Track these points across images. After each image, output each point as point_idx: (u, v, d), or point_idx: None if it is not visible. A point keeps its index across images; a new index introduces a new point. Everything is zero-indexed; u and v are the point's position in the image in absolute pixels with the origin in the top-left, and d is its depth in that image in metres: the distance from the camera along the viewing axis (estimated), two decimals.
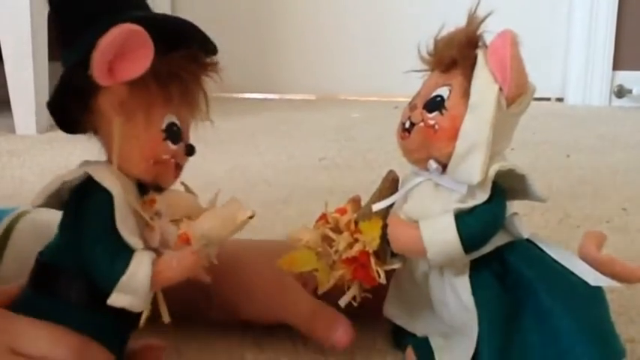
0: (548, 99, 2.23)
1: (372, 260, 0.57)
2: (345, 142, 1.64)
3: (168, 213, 0.52)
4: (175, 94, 0.52)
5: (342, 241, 0.57)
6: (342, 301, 0.59)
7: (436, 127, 0.54)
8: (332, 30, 2.30)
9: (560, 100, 2.24)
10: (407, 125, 0.57)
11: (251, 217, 0.52)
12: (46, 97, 1.94)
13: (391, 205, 0.59)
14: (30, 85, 1.72)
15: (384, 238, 0.57)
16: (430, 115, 0.55)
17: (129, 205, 0.50)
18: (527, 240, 0.57)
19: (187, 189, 0.57)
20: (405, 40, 2.18)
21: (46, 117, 1.76)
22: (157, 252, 0.50)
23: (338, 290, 0.59)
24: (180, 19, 0.53)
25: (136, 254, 0.49)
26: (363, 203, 0.62)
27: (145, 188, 0.53)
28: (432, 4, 2.21)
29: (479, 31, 0.55)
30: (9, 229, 0.68)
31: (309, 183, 1.22)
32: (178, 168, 0.54)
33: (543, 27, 2.22)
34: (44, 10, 1.78)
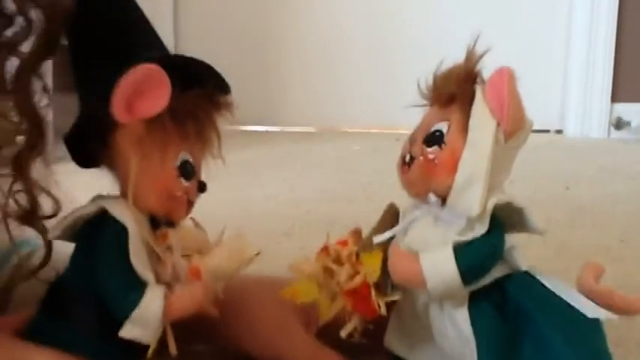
0: (547, 131, 2.24)
1: (373, 292, 0.57)
2: (346, 174, 1.65)
3: (179, 248, 0.53)
4: (191, 132, 0.54)
5: (343, 272, 0.58)
6: (343, 333, 0.60)
7: (436, 161, 0.56)
8: (334, 63, 2.32)
9: (559, 132, 2.25)
10: (407, 159, 0.58)
11: (257, 255, 0.55)
12: (50, 129, 1.95)
13: (392, 238, 0.60)
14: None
15: (385, 269, 0.58)
16: (430, 150, 0.56)
17: (142, 239, 0.52)
18: (526, 272, 0.58)
19: (196, 224, 0.58)
20: (407, 72, 2.20)
21: (51, 149, 1.77)
22: (168, 285, 0.52)
23: (340, 321, 0.60)
24: (196, 60, 0.55)
25: (149, 288, 0.51)
26: (364, 235, 0.63)
27: (156, 223, 0.55)
28: (435, 38, 2.22)
29: (477, 67, 0.57)
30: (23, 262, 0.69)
31: (310, 215, 1.23)
32: (190, 204, 0.56)
33: (542, 60, 2.24)
34: None
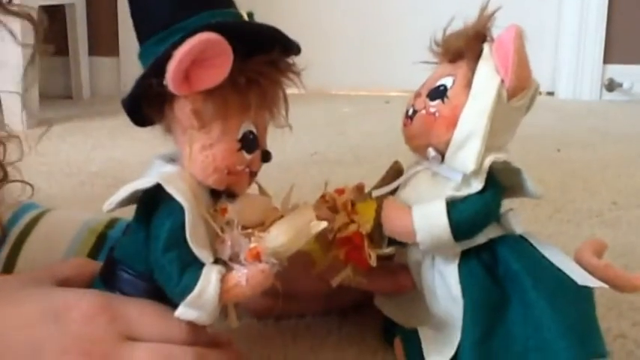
0: (539, 93, 2.22)
1: (366, 243, 0.57)
2: (335, 136, 1.64)
3: (240, 220, 0.50)
4: (253, 101, 0.50)
5: (337, 220, 0.57)
6: (335, 281, 0.59)
7: (436, 114, 0.55)
8: (323, 25, 2.29)
9: (550, 94, 2.24)
10: (410, 112, 0.57)
11: (324, 227, 0.52)
12: (35, 93, 1.94)
13: (393, 193, 0.59)
14: (19, 80, 1.71)
15: (380, 222, 0.57)
16: (432, 103, 0.56)
17: (200, 215, 0.49)
18: (520, 236, 0.57)
19: (261, 190, 0.56)
20: (398, 34, 2.18)
21: (36, 112, 1.75)
22: (227, 264, 0.49)
23: (335, 271, 0.59)
24: (261, 24, 0.52)
25: (205, 270, 0.48)
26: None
27: (217, 192, 0.52)
28: (425, 0, 2.21)
29: (488, 26, 0.56)
30: (31, 225, 0.68)
31: (299, 178, 1.22)
32: (253, 175, 0.53)
33: (533, 22, 2.22)
34: (35, 3, 1.77)
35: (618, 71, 2.17)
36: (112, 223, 0.70)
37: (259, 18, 0.53)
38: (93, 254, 0.67)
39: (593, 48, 2.17)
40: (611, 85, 2.17)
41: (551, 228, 0.98)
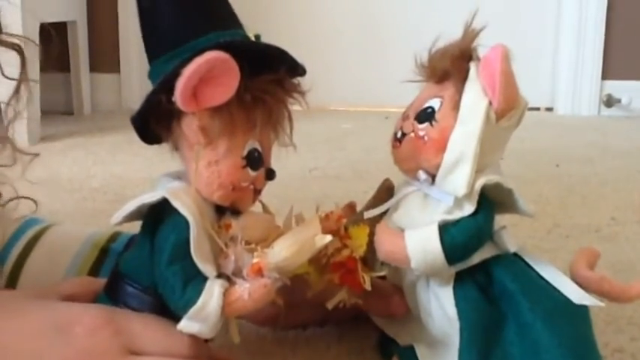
0: (538, 108, 2.23)
1: (360, 266, 0.57)
2: (335, 152, 1.65)
3: (244, 236, 0.51)
4: (259, 119, 0.51)
5: (331, 245, 0.57)
6: (330, 304, 0.59)
7: (425, 138, 0.55)
8: (323, 41, 2.30)
9: (549, 109, 2.25)
10: (398, 135, 0.57)
11: (329, 242, 0.53)
12: (37, 108, 1.94)
13: (385, 213, 0.60)
14: (34, 89, 1.71)
15: (373, 245, 0.57)
16: (420, 126, 0.55)
17: (205, 230, 0.50)
18: (514, 254, 0.57)
19: (265, 208, 0.57)
20: (397, 50, 2.19)
21: (38, 128, 1.76)
22: (230, 279, 0.50)
23: (331, 293, 0.60)
24: (267, 45, 0.53)
25: (208, 283, 0.49)
26: (358, 210, 0.62)
27: (222, 209, 0.53)
28: (425, 16, 2.21)
29: (473, 45, 0.56)
30: (34, 240, 0.69)
31: (299, 194, 1.22)
32: (257, 192, 0.54)
33: (532, 37, 2.23)
34: (36, 19, 1.78)
35: (616, 87, 2.18)
36: (114, 237, 0.70)
37: (262, 37, 0.54)
38: (96, 268, 0.67)
39: (592, 64, 2.18)
40: (609, 101, 2.18)
41: (550, 243, 0.98)
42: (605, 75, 2.19)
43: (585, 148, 1.70)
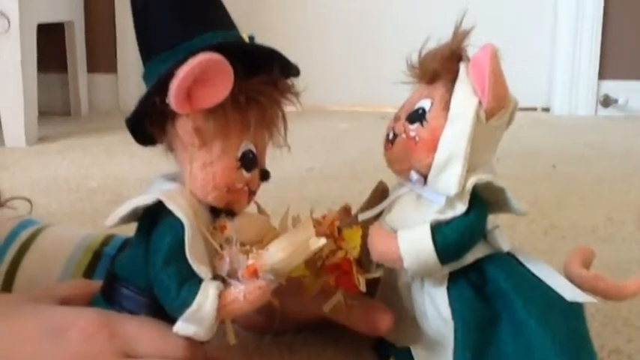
0: (535, 109, 2.24)
1: (355, 268, 0.57)
2: (332, 152, 1.65)
3: (239, 237, 0.51)
4: (253, 120, 0.51)
5: (325, 247, 0.57)
6: (326, 307, 0.59)
7: (416, 138, 0.55)
8: (318, 41, 2.30)
9: (546, 109, 2.25)
10: (390, 136, 0.57)
11: (323, 245, 0.53)
12: (35, 109, 1.94)
13: (379, 215, 0.60)
14: (19, 97, 1.72)
15: (367, 247, 0.57)
16: (411, 127, 0.56)
17: (199, 232, 0.50)
18: (507, 253, 0.57)
19: (260, 209, 0.57)
20: (393, 50, 2.19)
21: (35, 129, 1.76)
22: (225, 280, 0.50)
23: (326, 296, 0.60)
24: (261, 46, 0.53)
25: (204, 285, 0.49)
26: (353, 212, 0.63)
27: (217, 210, 0.53)
28: (420, 15, 2.22)
29: (463, 45, 0.56)
30: (28, 242, 0.69)
31: (295, 194, 1.22)
32: (252, 194, 0.54)
33: (529, 37, 2.23)
34: (34, 21, 1.78)
35: (613, 87, 2.19)
36: (107, 240, 0.70)
37: (256, 38, 0.54)
38: (89, 271, 0.67)
39: (588, 64, 2.19)
40: (606, 101, 2.18)
41: (546, 243, 0.98)
42: (602, 75, 2.20)
43: (582, 149, 1.70)
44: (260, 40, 0.54)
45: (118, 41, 2.25)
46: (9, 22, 1.48)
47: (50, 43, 2.05)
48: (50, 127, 1.91)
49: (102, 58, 2.27)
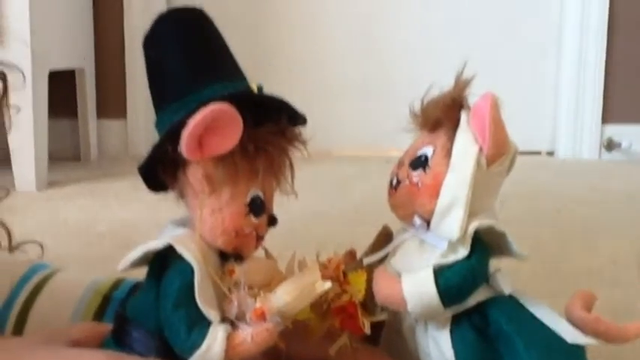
0: (539, 153, 2.25)
1: (360, 311, 0.58)
2: (338, 196, 1.66)
3: (247, 281, 0.53)
4: (261, 168, 0.53)
5: (331, 291, 0.58)
6: (332, 350, 0.60)
7: (419, 184, 0.57)
8: (325, 88, 2.32)
9: (550, 153, 2.26)
10: (394, 182, 0.59)
11: (328, 288, 0.54)
12: (45, 154, 1.96)
13: (384, 259, 0.61)
14: (30, 143, 1.74)
15: (371, 289, 0.58)
16: (414, 173, 0.57)
17: (209, 275, 0.52)
18: (509, 296, 0.58)
19: (268, 254, 0.58)
20: (398, 96, 2.21)
21: (45, 174, 1.79)
22: (234, 323, 0.52)
23: (332, 339, 0.61)
24: (269, 96, 0.55)
25: (212, 328, 0.51)
26: (358, 256, 0.64)
27: (226, 255, 0.54)
28: (426, 62, 2.24)
29: (464, 93, 0.58)
30: (40, 286, 0.70)
31: (303, 237, 1.23)
32: (260, 239, 0.56)
33: (532, 82, 2.25)
34: (45, 69, 1.81)
35: (617, 131, 2.20)
36: (117, 284, 0.71)
37: (265, 87, 0.57)
38: (99, 315, 0.68)
39: (592, 108, 2.20)
40: (610, 145, 2.20)
41: (550, 287, 0.99)
42: (605, 119, 2.21)
43: (586, 192, 1.71)
44: (267, 86, 0.56)
45: (127, 87, 2.27)
46: (24, 76, 1.51)
47: (61, 90, 2.08)
48: (60, 172, 1.93)
49: (111, 104, 2.29)
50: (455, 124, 0.57)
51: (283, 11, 2.34)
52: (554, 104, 2.26)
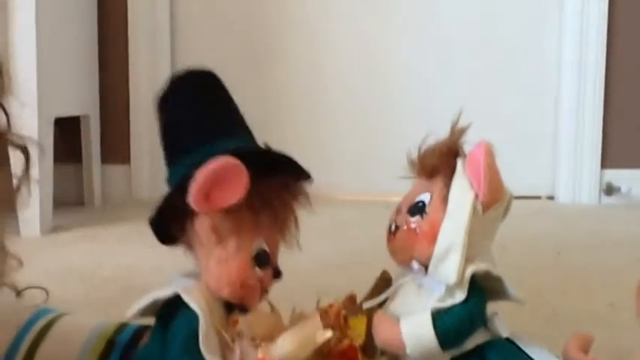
0: (539, 197, 2.26)
1: (360, 355, 0.59)
2: (339, 241, 1.67)
3: (250, 332, 0.54)
4: (266, 221, 0.56)
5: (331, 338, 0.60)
6: None
7: (417, 230, 0.58)
8: (324, 133, 2.35)
9: (550, 198, 2.27)
10: (392, 228, 0.61)
11: (329, 338, 0.56)
12: (50, 199, 1.96)
13: (383, 303, 0.63)
14: (35, 189, 1.75)
15: (371, 334, 0.60)
16: (412, 219, 0.59)
17: (213, 325, 0.54)
18: (507, 339, 0.60)
19: (272, 308, 0.60)
20: (396, 143, 2.23)
21: (50, 219, 1.80)
22: None
23: None
24: (275, 151, 0.57)
25: None
26: (358, 301, 0.65)
27: (231, 306, 0.56)
28: (423, 108, 2.27)
29: (460, 142, 0.60)
30: (45, 330, 0.71)
31: (304, 282, 1.24)
32: (264, 291, 0.58)
33: (532, 127, 2.27)
34: (51, 116, 1.84)
35: (616, 175, 2.22)
36: (120, 329, 0.72)
37: (261, 128, 0.59)
38: (103, 359, 0.69)
39: (591, 153, 2.22)
40: (609, 190, 2.21)
41: (548, 330, 0.99)
42: (605, 164, 2.23)
43: (586, 237, 1.72)
44: (268, 132, 0.58)
45: (131, 133, 2.30)
46: (43, 149, 1.52)
47: (66, 135, 2.11)
48: (64, 217, 1.94)
49: (116, 150, 2.31)
50: (451, 172, 0.59)
51: (291, 52, 2.37)
52: (553, 150, 2.28)
